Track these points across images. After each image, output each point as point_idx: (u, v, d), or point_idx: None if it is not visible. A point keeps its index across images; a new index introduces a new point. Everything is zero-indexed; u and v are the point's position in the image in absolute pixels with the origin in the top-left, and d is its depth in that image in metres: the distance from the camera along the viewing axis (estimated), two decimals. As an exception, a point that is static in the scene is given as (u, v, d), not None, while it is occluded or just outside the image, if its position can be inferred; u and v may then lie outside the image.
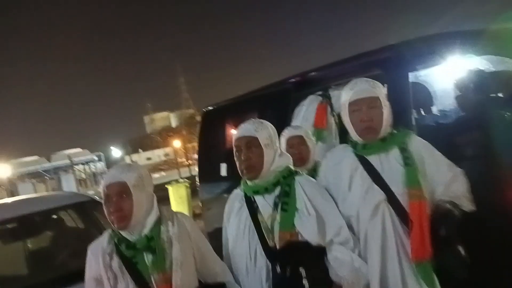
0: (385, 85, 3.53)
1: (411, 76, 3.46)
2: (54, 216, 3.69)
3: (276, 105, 4.26)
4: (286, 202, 2.16)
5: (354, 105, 2.24)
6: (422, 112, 3.88)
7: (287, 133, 2.98)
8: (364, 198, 2.19)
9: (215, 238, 2.57)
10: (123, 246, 2.00)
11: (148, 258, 1.99)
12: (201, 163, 5.42)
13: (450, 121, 3.61)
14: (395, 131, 2.32)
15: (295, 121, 3.88)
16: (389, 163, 2.22)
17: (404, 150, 2.22)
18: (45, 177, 43.93)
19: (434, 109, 3.98)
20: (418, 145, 2.28)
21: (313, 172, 2.66)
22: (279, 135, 2.51)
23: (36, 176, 43.95)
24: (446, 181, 2.23)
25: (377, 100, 2.22)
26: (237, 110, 4.99)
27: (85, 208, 3.69)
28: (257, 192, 2.25)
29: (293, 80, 4.30)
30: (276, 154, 2.27)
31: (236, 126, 5.10)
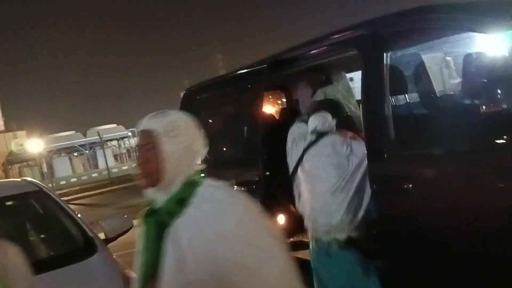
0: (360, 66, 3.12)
1: (388, 58, 2.94)
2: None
3: (250, 86, 4.11)
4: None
5: None
6: (400, 99, 3.34)
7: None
8: None
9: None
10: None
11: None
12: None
13: (434, 110, 3.07)
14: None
15: None
16: None
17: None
18: (81, 152, 45.20)
19: (414, 96, 3.43)
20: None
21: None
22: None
23: (72, 151, 45.29)
24: None
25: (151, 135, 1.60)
26: (216, 90, 4.65)
27: (27, 199, 3.44)
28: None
29: (267, 61, 4.02)
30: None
31: (214, 108, 4.83)
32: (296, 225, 4.23)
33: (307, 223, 3.31)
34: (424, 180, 2.82)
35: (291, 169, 3.40)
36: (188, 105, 5.03)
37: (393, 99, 3.14)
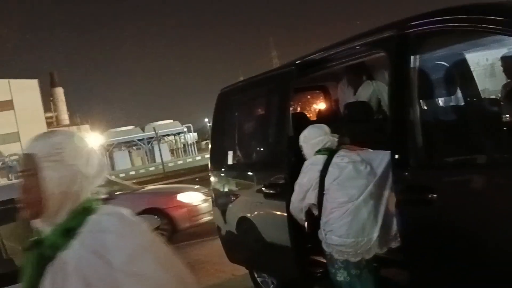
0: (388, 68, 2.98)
1: (417, 60, 2.77)
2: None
3: (279, 88, 4.05)
4: None
5: None
6: (430, 104, 3.13)
7: None
8: None
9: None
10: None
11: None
12: (212, 148, 5.11)
13: (465, 117, 2.86)
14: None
15: None
16: None
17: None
18: (140, 146, 47.01)
19: (445, 101, 3.20)
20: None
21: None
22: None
23: (132, 145, 47.25)
24: None
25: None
26: (248, 91, 4.63)
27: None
28: None
29: (296, 62, 3.98)
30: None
31: (246, 110, 4.81)
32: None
33: (329, 247, 3.14)
34: (452, 193, 2.63)
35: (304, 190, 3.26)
36: (223, 105, 5.04)
37: (422, 104, 2.96)
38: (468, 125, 2.82)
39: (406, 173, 2.81)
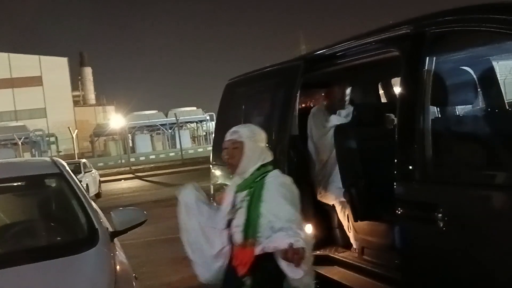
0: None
1: (433, 62, 2.47)
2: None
3: (286, 82, 3.83)
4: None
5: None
6: (444, 111, 2.80)
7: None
8: None
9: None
10: None
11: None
12: (215, 142, 4.89)
13: (481, 127, 2.55)
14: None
15: None
16: None
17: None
18: (162, 131, 47.26)
19: (462, 109, 2.87)
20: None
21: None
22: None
23: (154, 129, 47.52)
24: None
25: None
26: (254, 84, 4.37)
27: (42, 182, 3.41)
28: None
29: (305, 57, 3.70)
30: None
31: (252, 102, 4.54)
32: (322, 237, 3.87)
33: None
34: (458, 212, 2.34)
35: None
36: (229, 97, 4.80)
37: (435, 111, 2.66)
38: (487, 138, 2.50)
39: (410, 186, 2.54)
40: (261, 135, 2.58)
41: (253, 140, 2.49)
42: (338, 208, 3.84)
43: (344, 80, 4.67)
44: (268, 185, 2.42)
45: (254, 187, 2.44)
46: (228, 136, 2.54)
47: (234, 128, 2.57)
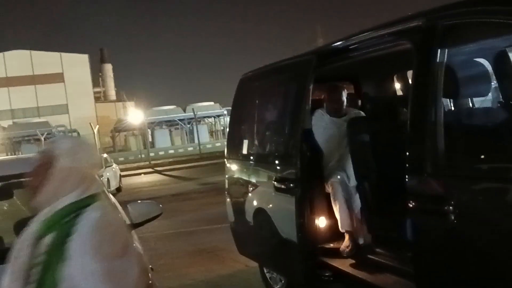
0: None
1: (445, 54, 2.45)
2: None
3: (298, 76, 3.83)
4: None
5: None
6: (457, 103, 2.78)
7: None
8: None
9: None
10: None
11: None
12: (229, 135, 4.93)
13: (494, 120, 2.53)
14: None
15: None
16: None
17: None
18: (180, 126, 47.58)
19: (475, 101, 2.84)
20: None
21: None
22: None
23: (173, 124, 47.89)
24: None
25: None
26: (268, 79, 4.40)
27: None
28: None
29: (317, 51, 3.77)
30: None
31: (265, 97, 4.56)
32: (332, 230, 3.90)
33: None
34: (470, 205, 2.33)
35: None
36: (243, 92, 4.83)
37: (448, 104, 2.64)
38: (499, 130, 2.48)
39: (421, 179, 2.53)
40: (88, 154, 1.74)
41: (72, 159, 1.65)
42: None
43: (357, 73, 4.66)
44: (79, 230, 1.55)
45: (58, 232, 1.57)
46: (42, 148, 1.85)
47: (52, 139, 1.90)
